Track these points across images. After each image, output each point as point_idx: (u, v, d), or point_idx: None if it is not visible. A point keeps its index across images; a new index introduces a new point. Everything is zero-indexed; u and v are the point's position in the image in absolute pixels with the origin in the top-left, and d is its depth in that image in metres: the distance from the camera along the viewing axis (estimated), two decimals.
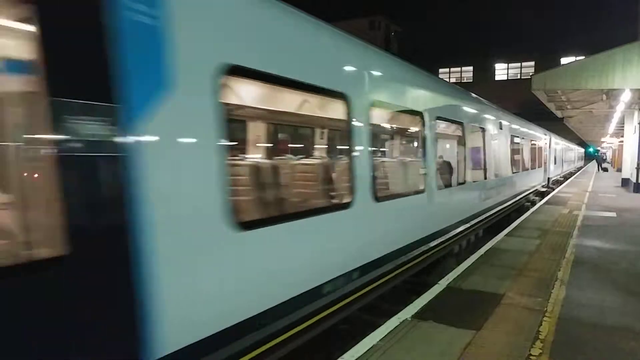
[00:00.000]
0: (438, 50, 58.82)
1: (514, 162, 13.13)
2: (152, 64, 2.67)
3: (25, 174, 2.74)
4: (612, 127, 29.39)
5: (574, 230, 10.40)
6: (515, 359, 3.99)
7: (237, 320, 3.19)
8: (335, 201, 5.03)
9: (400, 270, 5.70)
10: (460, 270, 6.91)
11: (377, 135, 5.88)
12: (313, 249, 4.09)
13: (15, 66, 2.61)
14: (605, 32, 43.08)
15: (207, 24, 3.05)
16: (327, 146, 5.84)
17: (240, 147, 5.25)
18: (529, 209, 14.31)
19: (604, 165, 45.64)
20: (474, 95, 10.01)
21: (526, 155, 15.78)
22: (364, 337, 4.38)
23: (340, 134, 5.54)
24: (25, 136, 2.67)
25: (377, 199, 5.04)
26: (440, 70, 59.74)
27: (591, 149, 65.26)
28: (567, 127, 34.49)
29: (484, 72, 60.17)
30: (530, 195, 16.71)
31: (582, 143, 58.73)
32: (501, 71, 61.02)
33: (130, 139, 2.51)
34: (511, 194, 12.96)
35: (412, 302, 5.39)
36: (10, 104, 2.72)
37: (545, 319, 4.92)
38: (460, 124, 8.33)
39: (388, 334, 4.47)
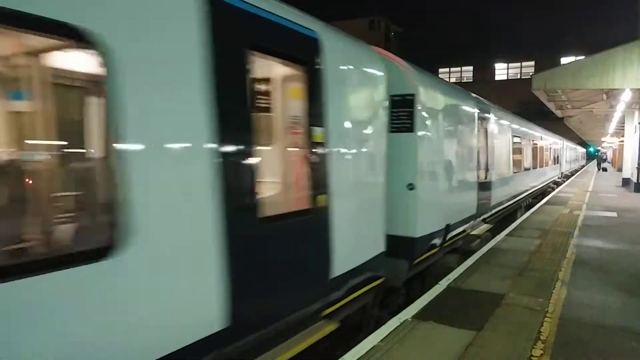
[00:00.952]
0: (438, 50, 58.91)
1: (547, 160, 22.09)
2: None
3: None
4: (612, 126, 29.38)
5: (575, 230, 10.39)
6: (516, 359, 3.98)
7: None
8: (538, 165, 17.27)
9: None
10: (461, 270, 6.90)
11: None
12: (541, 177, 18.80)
13: None
14: (605, 31, 43.13)
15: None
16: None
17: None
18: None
19: (603, 165, 45.72)
20: (541, 128, 20.73)
21: (552, 155, 24.28)
22: (365, 338, 4.38)
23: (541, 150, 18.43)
24: None
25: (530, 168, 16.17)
26: (440, 70, 59.75)
27: (591, 149, 65.27)
28: (567, 127, 34.49)
29: (484, 72, 60.18)
30: (551, 183, 24.32)
31: (582, 143, 58.75)
32: (501, 71, 61.06)
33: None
34: (545, 179, 21.63)
35: (412, 303, 5.39)
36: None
37: (546, 319, 4.91)
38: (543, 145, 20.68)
39: (389, 334, 4.46)
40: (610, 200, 17.03)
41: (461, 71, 62.35)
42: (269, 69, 4.26)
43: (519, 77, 58.12)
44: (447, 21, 61.90)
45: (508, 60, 59.65)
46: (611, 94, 17.10)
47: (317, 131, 3.95)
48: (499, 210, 11.26)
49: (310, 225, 3.91)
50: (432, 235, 6.42)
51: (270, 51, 3.55)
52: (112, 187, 2.41)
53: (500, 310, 5.19)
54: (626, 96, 15.94)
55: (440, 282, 6.21)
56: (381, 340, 4.32)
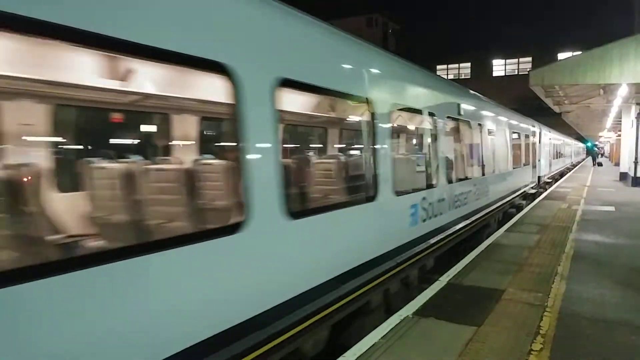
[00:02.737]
0: (436, 47, 58.95)
1: (563, 154, 35.50)
2: None
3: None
4: (609, 121, 29.45)
5: (574, 225, 10.43)
6: (516, 354, 4.01)
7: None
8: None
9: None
10: (461, 266, 6.93)
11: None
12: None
13: None
14: (602, 26, 43.20)
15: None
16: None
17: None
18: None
19: (599, 160, 45.99)
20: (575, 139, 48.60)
21: (565, 151, 37.60)
22: (366, 335, 4.40)
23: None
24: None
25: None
26: (438, 66, 59.70)
27: (589, 144, 65.47)
28: (564, 122, 34.59)
29: (481, 68, 60.11)
30: (565, 168, 35.33)
31: (580, 138, 58.86)
32: (499, 67, 60.98)
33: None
34: (564, 164, 35.26)
35: (413, 299, 5.41)
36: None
37: (545, 313, 4.95)
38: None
39: (389, 331, 4.48)
40: (608, 194, 17.10)
41: (459, 67, 62.22)
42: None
43: (516, 73, 58.07)
44: (445, 18, 61.97)
45: (505, 56, 59.60)
46: (608, 89, 17.15)
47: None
48: (551, 175, 24.50)
49: (528, 169, 16.24)
50: (541, 177, 19.35)
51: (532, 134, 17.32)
52: None
53: (500, 305, 5.23)
54: (623, 91, 15.99)
55: (440, 279, 6.25)
56: (382, 337, 4.34)
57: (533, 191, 17.27)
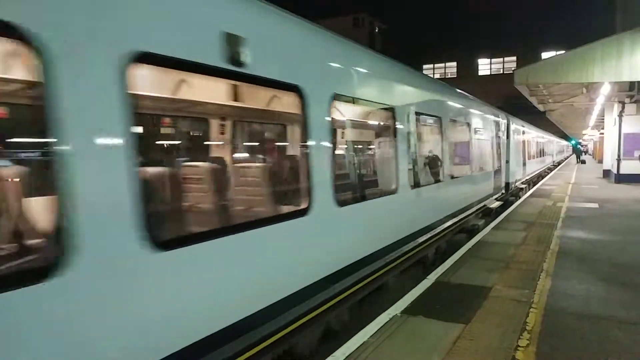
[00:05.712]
0: (422, 47, 59.21)
1: (558, 150, 51.22)
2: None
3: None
4: (592, 119, 29.96)
5: (558, 222, 10.59)
6: (503, 351, 4.05)
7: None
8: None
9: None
10: (449, 264, 6.99)
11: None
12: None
13: None
14: (585, 26, 43.93)
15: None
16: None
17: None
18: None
19: (582, 157, 46.85)
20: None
21: (560, 149, 53.88)
22: (355, 334, 4.41)
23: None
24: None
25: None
26: (425, 66, 60.10)
27: (573, 142, 66.66)
28: (549, 121, 35.13)
29: (467, 68, 60.71)
30: (560, 162, 47.78)
31: (564, 136, 59.96)
32: (484, 66, 61.67)
33: None
34: (563, 157, 58.55)
35: (401, 298, 5.44)
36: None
37: (531, 310, 5.01)
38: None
39: (378, 330, 4.50)
40: (591, 191, 17.40)
41: (445, 67, 62.78)
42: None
43: (501, 72, 58.78)
44: (431, 17, 62.43)
45: (491, 55, 60.28)
46: (591, 88, 17.46)
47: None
48: (557, 161, 45.36)
49: (550, 157, 39.56)
50: (554, 160, 42.60)
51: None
52: None
53: (487, 302, 5.28)
54: (605, 89, 16.28)
55: (428, 277, 6.28)
56: (371, 336, 4.35)
57: (552, 166, 34.35)
